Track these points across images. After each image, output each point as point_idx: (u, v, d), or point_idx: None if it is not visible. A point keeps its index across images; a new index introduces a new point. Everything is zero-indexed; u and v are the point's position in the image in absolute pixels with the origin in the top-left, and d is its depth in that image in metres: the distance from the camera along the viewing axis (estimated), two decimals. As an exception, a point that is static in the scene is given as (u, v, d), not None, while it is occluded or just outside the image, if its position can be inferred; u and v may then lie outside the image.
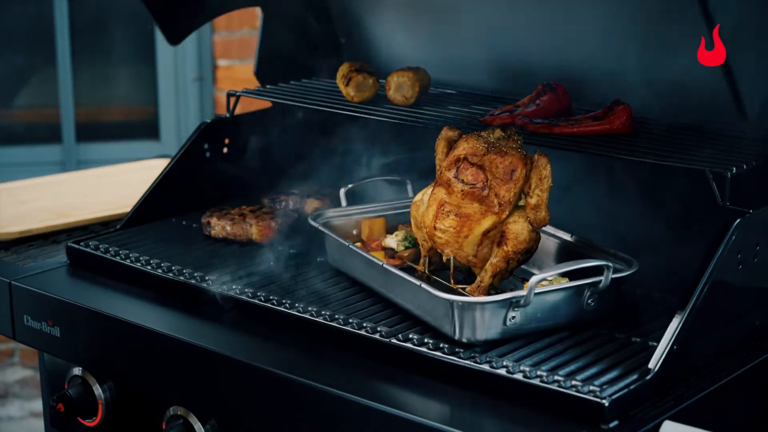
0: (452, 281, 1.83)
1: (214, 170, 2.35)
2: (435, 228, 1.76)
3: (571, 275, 1.76)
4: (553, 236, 1.94)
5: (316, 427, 1.64)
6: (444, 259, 1.81)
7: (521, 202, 1.75)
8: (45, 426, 2.16)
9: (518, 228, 1.73)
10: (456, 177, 1.73)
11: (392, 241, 2.00)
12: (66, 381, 2.00)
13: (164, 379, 1.85)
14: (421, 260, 1.88)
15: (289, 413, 1.66)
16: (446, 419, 1.56)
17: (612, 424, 1.48)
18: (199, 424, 1.80)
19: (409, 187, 2.19)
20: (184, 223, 2.26)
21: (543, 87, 2.02)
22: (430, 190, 1.80)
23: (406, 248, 1.98)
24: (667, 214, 2.10)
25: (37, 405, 4.20)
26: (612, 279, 1.70)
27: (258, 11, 4.34)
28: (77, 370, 1.99)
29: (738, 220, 1.62)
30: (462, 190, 1.72)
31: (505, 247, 1.73)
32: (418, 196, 1.84)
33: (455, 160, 1.75)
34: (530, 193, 1.73)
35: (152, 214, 2.25)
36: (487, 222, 1.73)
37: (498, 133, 1.76)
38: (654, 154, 1.78)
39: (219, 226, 2.14)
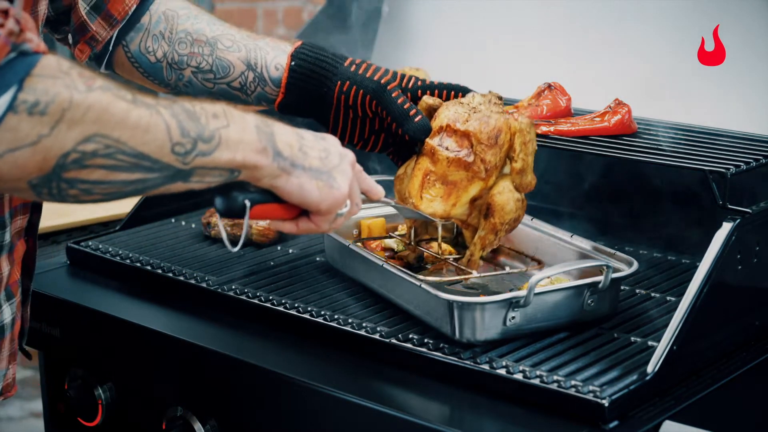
0: (440, 250, 1.82)
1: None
2: (422, 198, 1.74)
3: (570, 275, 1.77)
4: (553, 236, 1.94)
5: (316, 428, 1.64)
6: (438, 231, 1.81)
7: (506, 169, 1.73)
8: (45, 426, 2.16)
9: (504, 199, 1.72)
10: (440, 145, 1.72)
11: (392, 241, 2.00)
12: (66, 381, 2.00)
13: (164, 379, 1.85)
14: (407, 232, 1.87)
15: (288, 413, 1.66)
16: (446, 419, 1.56)
17: (612, 425, 1.48)
18: (199, 424, 1.80)
19: (409, 187, 2.19)
20: (183, 223, 2.26)
21: (542, 87, 2.02)
22: (413, 163, 1.78)
23: (406, 248, 1.98)
24: (667, 214, 2.11)
25: (37, 405, 4.20)
26: (612, 279, 1.70)
27: (257, 11, 4.34)
28: (77, 371, 1.99)
29: (738, 220, 1.62)
30: (447, 158, 1.71)
31: (492, 219, 1.72)
32: (401, 170, 1.82)
33: (438, 129, 1.73)
34: (515, 157, 1.71)
35: (152, 214, 2.25)
36: (475, 188, 1.72)
37: (479, 98, 1.74)
38: (654, 154, 1.78)
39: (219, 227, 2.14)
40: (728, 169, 1.66)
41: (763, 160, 1.74)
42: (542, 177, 2.24)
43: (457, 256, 1.82)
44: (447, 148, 1.71)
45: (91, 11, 1.74)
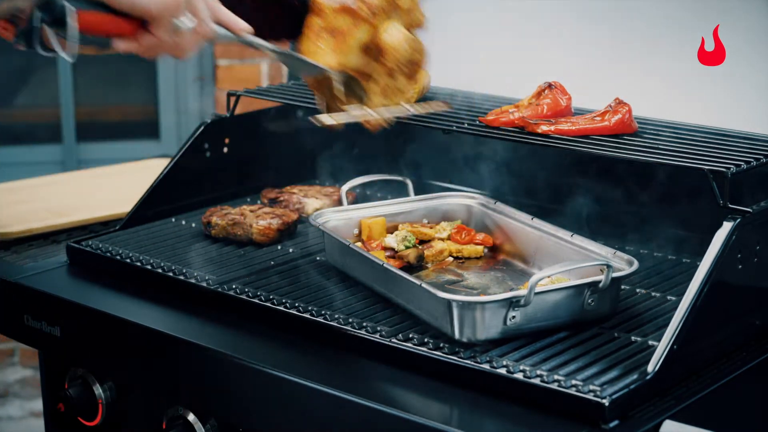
0: (344, 99, 1.80)
1: (214, 170, 2.35)
2: (315, 53, 1.74)
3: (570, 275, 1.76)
4: (553, 236, 1.94)
5: (316, 427, 1.64)
6: (335, 85, 1.78)
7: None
8: (45, 426, 2.16)
9: (393, 39, 1.71)
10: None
11: (392, 241, 2.00)
12: (66, 381, 2.00)
13: (164, 379, 1.85)
14: (322, 99, 1.85)
15: (288, 413, 1.66)
16: (446, 419, 1.56)
17: (612, 424, 1.48)
18: (199, 424, 1.80)
19: (410, 187, 2.19)
20: (183, 223, 2.26)
21: (543, 87, 2.02)
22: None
23: (406, 248, 1.98)
24: (667, 214, 2.11)
25: (37, 405, 4.20)
26: (612, 279, 1.70)
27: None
28: (77, 370, 1.99)
29: (738, 220, 1.62)
30: (332, 8, 1.72)
31: (383, 60, 1.72)
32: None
33: None
34: None
35: (152, 214, 2.25)
36: (361, 32, 1.72)
37: None
38: (655, 153, 1.78)
39: (219, 226, 2.14)
40: (729, 168, 1.66)
41: (764, 160, 1.74)
42: (542, 176, 2.24)
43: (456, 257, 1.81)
44: None
45: None
